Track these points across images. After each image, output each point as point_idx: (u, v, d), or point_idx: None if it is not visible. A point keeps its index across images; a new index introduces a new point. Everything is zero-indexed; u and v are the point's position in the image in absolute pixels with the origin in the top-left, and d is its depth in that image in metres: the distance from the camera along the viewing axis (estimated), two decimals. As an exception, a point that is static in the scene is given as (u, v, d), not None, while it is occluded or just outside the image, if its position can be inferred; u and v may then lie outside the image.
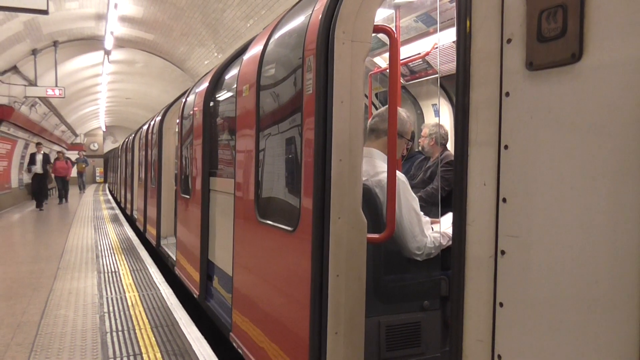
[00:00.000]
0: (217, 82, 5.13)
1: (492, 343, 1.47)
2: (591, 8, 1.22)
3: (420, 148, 5.01)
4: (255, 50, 3.62)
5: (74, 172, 25.57)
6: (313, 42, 2.53)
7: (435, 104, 6.04)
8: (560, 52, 1.28)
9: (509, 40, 1.43)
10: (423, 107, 6.20)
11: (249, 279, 3.58)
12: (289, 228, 2.81)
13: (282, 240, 2.96)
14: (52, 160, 19.34)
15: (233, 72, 4.67)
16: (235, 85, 4.04)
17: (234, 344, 3.74)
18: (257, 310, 3.37)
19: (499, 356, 1.45)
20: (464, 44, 1.58)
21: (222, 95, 5.02)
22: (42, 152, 18.64)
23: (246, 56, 3.84)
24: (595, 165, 1.20)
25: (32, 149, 21.14)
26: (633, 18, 1.13)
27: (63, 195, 20.73)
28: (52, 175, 20.70)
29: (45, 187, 18.77)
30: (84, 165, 28.79)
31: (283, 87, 3.11)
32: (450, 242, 2.77)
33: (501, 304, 1.45)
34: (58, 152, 21.44)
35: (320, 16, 2.52)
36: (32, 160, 18.43)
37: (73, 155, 30.45)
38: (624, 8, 1.15)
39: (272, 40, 3.35)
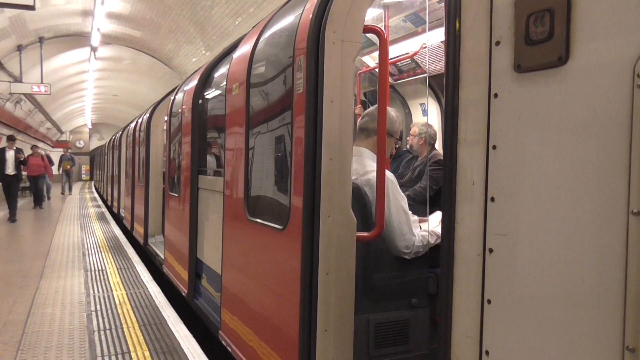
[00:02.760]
0: (206, 80, 5.12)
1: (480, 339, 1.50)
2: (577, 12, 1.25)
3: (408, 147, 5.04)
4: (245, 48, 3.62)
5: (56, 170, 22.33)
6: (303, 42, 2.55)
7: (423, 104, 6.07)
8: (547, 55, 1.31)
9: (497, 43, 1.46)
10: (411, 107, 6.23)
11: (238, 278, 3.59)
12: (278, 226, 2.83)
13: (271, 238, 2.97)
14: (23, 157, 14.90)
15: (222, 70, 4.66)
16: (224, 84, 4.04)
17: (223, 342, 3.74)
18: (246, 309, 3.38)
19: (487, 352, 1.48)
20: (453, 45, 1.61)
21: (212, 93, 5.02)
22: (14, 148, 14.43)
23: (236, 54, 3.84)
24: (581, 166, 1.23)
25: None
26: (618, 22, 1.16)
27: (38, 198, 17.28)
28: (25, 174, 16.74)
29: (16, 192, 14.44)
30: (69, 165, 24.04)
31: (273, 86, 3.12)
32: (439, 241, 2.81)
33: (489, 301, 1.47)
34: (32, 147, 17.48)
35: (310, 16, 2.53)
36: (0, 158, 14.13)
37: (58, 153, 27.19)
38: (609, 12, 1.18)
39: (262, 39, 3.36)
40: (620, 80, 1.15)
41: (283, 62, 2.92)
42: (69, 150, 25.86)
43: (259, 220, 3.14)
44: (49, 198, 18.89)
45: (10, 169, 14.17)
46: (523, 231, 1.38)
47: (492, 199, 1.47)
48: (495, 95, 1.46)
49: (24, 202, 18.39)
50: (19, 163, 14.32)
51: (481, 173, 1.51)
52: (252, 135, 3.36)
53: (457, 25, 1.60)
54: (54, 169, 20.45)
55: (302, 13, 2.70)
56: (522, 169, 1.39)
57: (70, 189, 24.78)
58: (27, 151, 17.75)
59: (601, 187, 1.19)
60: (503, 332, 1.43)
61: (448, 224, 1.62)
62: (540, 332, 1.32)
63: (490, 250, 1.47)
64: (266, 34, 3.34)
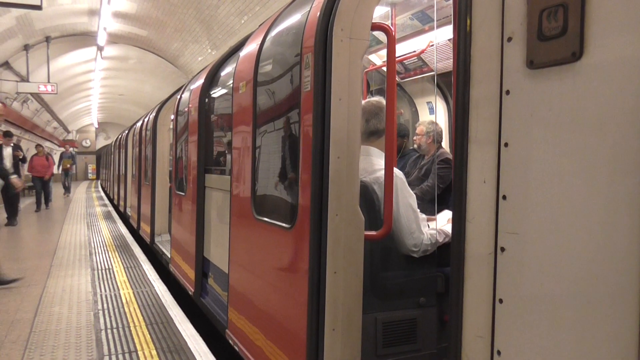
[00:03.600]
0: (212, 79, 5.11)
1: (491, 339, 1.48)
2: (592, 7, 1.23)
3: (415, 146, 5.02)
4: (252, 47, 3.61)
5: (56, 169, 20.68)
6: (311, 39, 2.53)
7: (430, 102, 6.05)
8: (560, 51, 1.29)
9: (509, 39, 1.44)
10: (418, 105, 6.21)
11: (246, 276, 3.58)
12: (286, 225, 2.81)
13: (279, 237, 2.96)
14: (22, 155, 13.40)
15: (229, 69, 4.66)
16: (231, 82, 4.04)
17: (230, 341, 3.74)
18: (253, 308, 3.38)
19: (499, 352, 1.46)
20: (464, 42, 1.59)
21: (218, 92, 5.01)
22: (11, 144, 12.57)
23: (243, 53, 3.83)
24: (594, 163, 1.21)
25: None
26: (633, 17, 1.14)
27: (42, 200, 16.01)
28: (29, 174, 15.81)
29: (17, 194, 12.56)
30: (69, 164, 22.56)
31: (280, 84, 3.11)
32: (447, 239, 2.79)
33: (501, 301, 1.46)
34: (37, 146, 16.66)
35: (318, 13, 2.52)
36: None
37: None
38: (624, 7, 1.16)
39: (269, 37, 3.35)
40: (635, 76, 1.13)
41: (290, 60, 2.91)
42: (74, 149, 25.24)
43: (266, 219, 3.13)
44: (47, 205, 16.79)
45: (8, 168, 12.14)
46: (535, 229, 1.36)
47: (504, 197, 1.45)
48: (507, 92, 1.44)
49: (26, 204, 17.42)
50: (18, 161, 12.69)
51: (492, 171, 1.49)
52: (260, 134, 3.35)
53: (468, 21, 1.58)
54: (54, 168, 18.88)
55: (309, 11, 2.69)
56: (534, 166, 1.37)
57: (69, 189, 22.74)
58: (33, 150, 17.46)
59: (615, 185, 1.18)
60: (515, 331, 1.41)
61: (459, 222, 1.60)
62: (553, 331, 1.31)
63: (502, 249, 1.45)
64: (273, 32, 3.32)
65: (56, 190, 21.88)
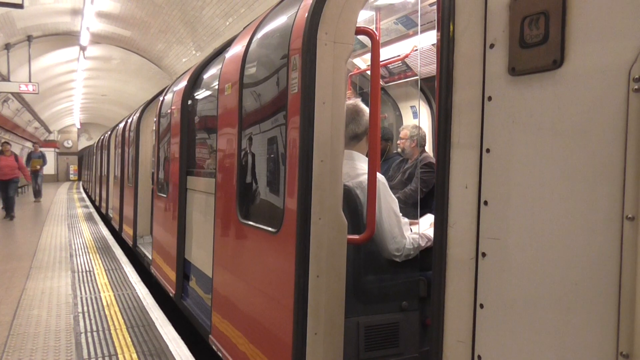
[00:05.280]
0: (196, 81, 5.08)
1: (472, 344, 1.49)
2: (572, 15, 1.24)
3: (399, 150, 5.05)
4: (238, 48, 3.59)
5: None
6: (299, 41, 2.53)
7: (414, 106, 6.08)
8: (542, 58, 1.30)
9: (491, 45, 1.45)
10: (402, 109, 6.24)
11: (230, 280, 3.56)
12: (272, 229, 2.80)
13: (264, 241, 2.95)
14: None
15: (213, 71, 4.63)
16: (215, 84, 4.01)
17: (214, 347, 3.71)
18: (238, 312, 3.35)
19: (479, 357, 1.47)
20: (447, 48, 1.60)
21: (202, 94, 4.99)
22: None
23: (229, 54, 3.81)
24: (575, 169, 1.23)
25: None
26: (613, 25, 1.16)
27: (10, 206, 13.69)
28: None
29: None
30: (39, 164, 19.44)
31: (267, 86, 3.09)
32: (429, 243, 2.80)
33: (482, 306, 1.46)
34: (2, 144, 14.37)
35: (306, 15, 2.52)
36: None
37: (48, 152, 24.94)
38: (604, 16, 1.18)
39: (255, 38, 3.33)
40: (615, 84, 1.14)
41: (277, 62, 2.90)
42: (55, 150, 24.54)
43: (251, 222, 3.12)
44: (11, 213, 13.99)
45: None
46: (516, 235, 1.37)
47: (485, 203, 1.46)
48: (489, 99, 1.46)
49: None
50: None
51: (474, 176, 1.50)
52: (245, 136, 3.33)
53: (451, 27, 1.59)
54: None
55: (296, 12, 2.69)
56: (515, 172, 1.38)
57: (40, 193, 19.82)
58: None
59: (595, 191, 1.19)
60: (495, 336, 1.42)
61: (440, 227, 1.61)
62: (533, 337, 1.32)
63: (483, 254, 1.46)
64: (260, 34, 3.31)
65: (27, 196, 20.56)
